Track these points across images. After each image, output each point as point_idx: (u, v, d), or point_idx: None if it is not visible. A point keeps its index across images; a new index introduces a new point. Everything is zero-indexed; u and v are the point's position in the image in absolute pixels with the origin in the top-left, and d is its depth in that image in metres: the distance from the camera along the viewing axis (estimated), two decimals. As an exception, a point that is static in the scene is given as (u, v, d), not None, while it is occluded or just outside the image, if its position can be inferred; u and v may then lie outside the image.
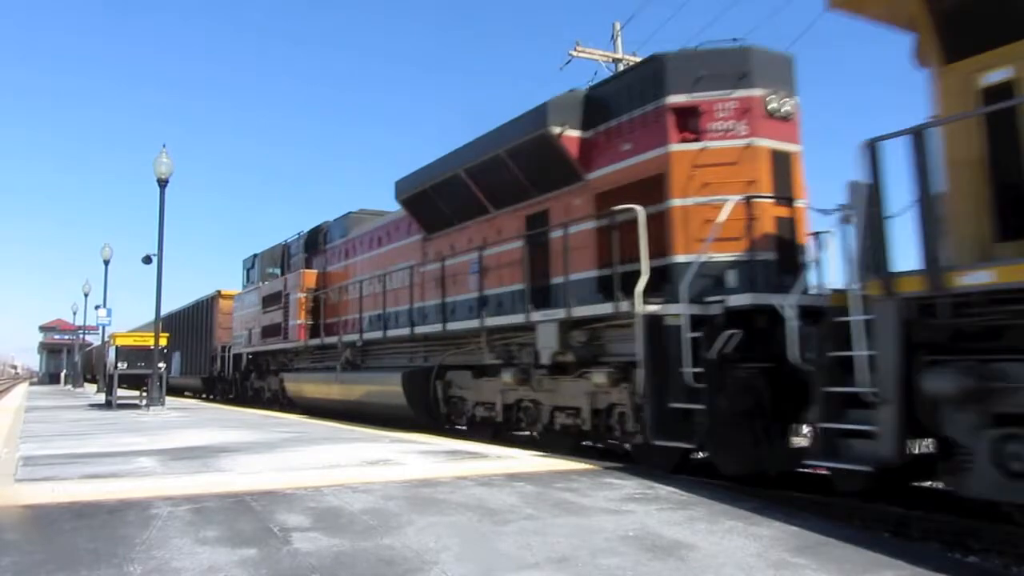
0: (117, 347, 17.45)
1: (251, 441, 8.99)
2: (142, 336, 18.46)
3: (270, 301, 18.19)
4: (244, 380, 21.22)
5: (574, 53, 20.16)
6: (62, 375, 55.81)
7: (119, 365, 17.19)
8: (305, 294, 16.07)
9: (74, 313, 44.93)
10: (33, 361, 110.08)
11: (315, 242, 16.87)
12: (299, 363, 16.91)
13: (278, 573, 3.43)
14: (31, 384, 60.16)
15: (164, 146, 17.05)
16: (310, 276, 16.41)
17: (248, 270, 21.26)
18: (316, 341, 15.39)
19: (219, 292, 25.02)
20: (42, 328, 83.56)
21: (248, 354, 20.32)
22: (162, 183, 16.91)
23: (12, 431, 10.99)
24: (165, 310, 31.37)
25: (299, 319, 16.03)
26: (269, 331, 18.02)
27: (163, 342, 17.30)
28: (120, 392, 17.91)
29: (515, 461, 7.02)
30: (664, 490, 5.62)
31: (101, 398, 21.77)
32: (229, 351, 22.25)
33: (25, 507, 4.82)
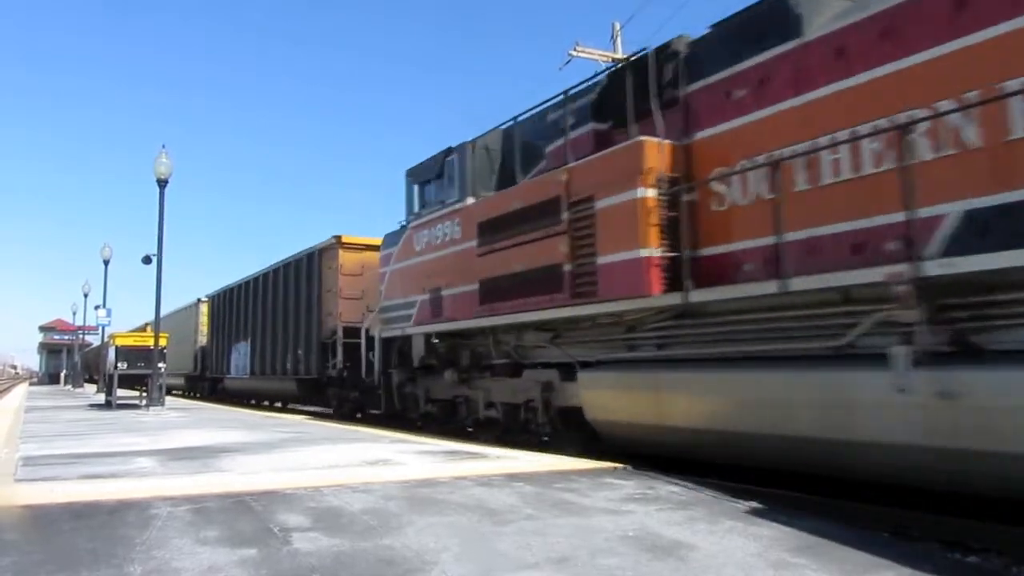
0: (117, 347, 17.45)
1: (251, 441, 8.98)
2: (142, 336, 18.46)
3: (512, 226, 9.02)
4: (406, 386, 12.27)
5: (574, 53, 20.19)
6: (62, 375, 55.82)
7: (119, 365, 17.19)
8: (654, 192, 7.17)
9: (74, 313, 45.02)
10: (33, 361, 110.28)
11: (654, 83, 7.79)
12: (595, 348, 8.41)
13: (278, 573, 3.42)
14: (31, 384, 60.16)
15: (164, 146, 17.08)
16: (656, 150, 7.26)
17: (423, 185, 11.57)
18: (723, 293, 6.64)
19: (338, 239, 15.68)
20: (42, 328, 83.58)
21: (432, 336, 11.25)
22: (162, 183, 16.93)
23: (12, 431, 10.99)
24: (203, 292, 27.32)
25: (640, 247, 7.14)
26: (508, 286, 9.02)
27: (163, 342, 17.27)
28: (120, 392, 17.92)
29: (514, 461, 7.02)
30: (664, 490, 5.61)
31: (101, 398, 21.76)
32: (371, 336, 12.96)
33: (25, 507, 4.81)
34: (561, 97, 9.15)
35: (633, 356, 7.91)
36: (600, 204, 7.69)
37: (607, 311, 7.80)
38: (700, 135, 7.32)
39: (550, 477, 6.04)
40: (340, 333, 14.97)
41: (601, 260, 7.64)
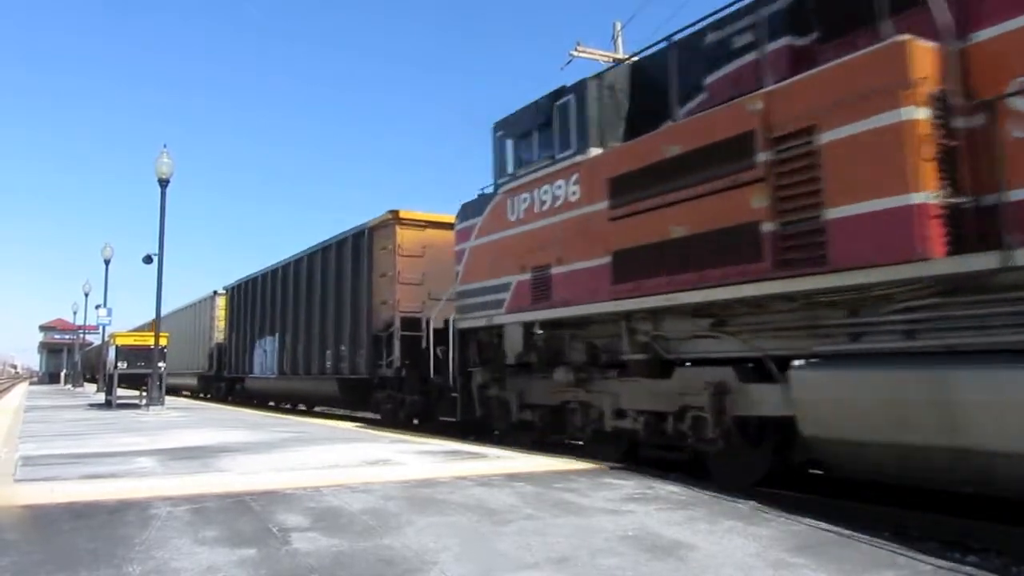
0: (117, 347, 17.46)
1: (250, 441, 8.99)
2: (142, 335, 18.45)
3: (665, 179, 6.85)
4: (490, 387, 9.85)
5: (575, 53, 20.19)
6: (62, 375, 55.87)
7: (119, 365, 17.20)
8: (928, 112, 4.97)
9: (74, 313, 45.10)
10: (33, 361, 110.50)
11: None
12: (796, 338, 5.98)
13: (277, 573, 3.43)
14: (31, 384, 60.22)
15: (165, 146, 17.09)
16: (927, 54, 5.06)
17: (519, 139, 9.34)
18: None
19: (395, 215, 13.20)
20: (42, 328, 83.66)
21: (536, 326, 8.87)
22: (163, 183, 16.94)
23: (11, 431, 10.99)
24: (203, 291, 25.96)
25: (910, 190, 4.92)
26: (661, 257, 6.89)
27: (163, 342, 17.28)
28: (120, 392, 17.93)
29: (514, 461, 7.02)
30: (664, 490, 5.62)
31: (101, 398, 21.77)
32: (436, 328, 10.96)
33: (24, 507, 4.82)
34: (732, 11, 7.11)
35: (905, 346, 5.22)
36: (829, 136, 5.52)
37: (844, 284, 5.43)
38: (984, 34, 5.09)
39: (550, 477, 6.04)
40: (398, 324, 12.53)
41: (833, 213, 5.44)
